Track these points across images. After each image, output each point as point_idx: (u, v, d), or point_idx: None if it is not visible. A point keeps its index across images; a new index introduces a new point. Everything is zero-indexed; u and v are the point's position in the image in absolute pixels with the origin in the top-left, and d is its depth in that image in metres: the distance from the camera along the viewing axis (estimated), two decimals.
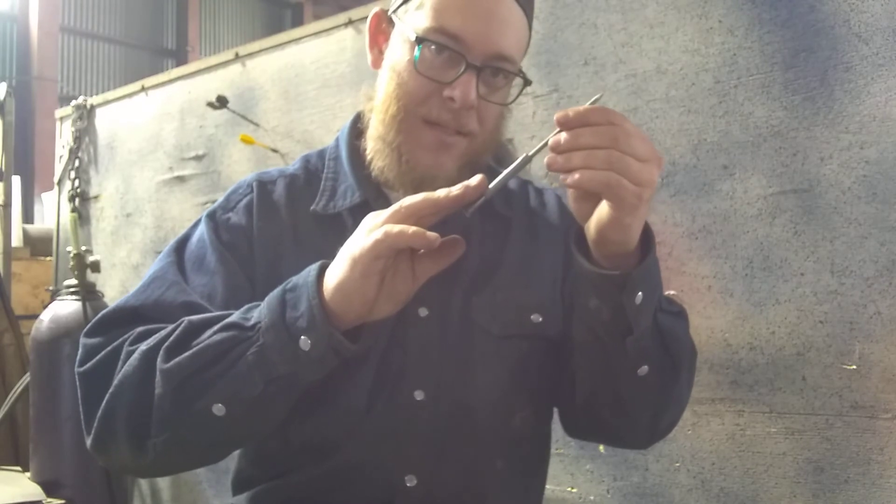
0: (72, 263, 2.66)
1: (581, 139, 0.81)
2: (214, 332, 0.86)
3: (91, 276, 2.71)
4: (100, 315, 0.98)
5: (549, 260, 1.11)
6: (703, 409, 1.59)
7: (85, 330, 0.97)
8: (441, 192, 0.83)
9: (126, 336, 0.92)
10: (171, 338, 0.87)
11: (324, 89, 2.44)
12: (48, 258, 4.31)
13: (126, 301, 0.98)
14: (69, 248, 2.72)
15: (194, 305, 0.96)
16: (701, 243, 1.62)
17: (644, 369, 0.95)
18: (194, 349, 0.86)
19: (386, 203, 1.04)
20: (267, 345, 0.83)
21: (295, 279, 0.87)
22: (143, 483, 2.95)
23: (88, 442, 0.92)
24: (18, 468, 2.89)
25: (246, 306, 0.89)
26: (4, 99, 3.85)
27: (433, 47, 0.97)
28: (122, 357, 0.90)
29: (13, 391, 3.02)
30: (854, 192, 1.44)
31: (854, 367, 1.43)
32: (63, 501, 2.49)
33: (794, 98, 1.52)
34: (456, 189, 0.83)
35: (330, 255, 1.01)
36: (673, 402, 1.04)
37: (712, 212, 1.61)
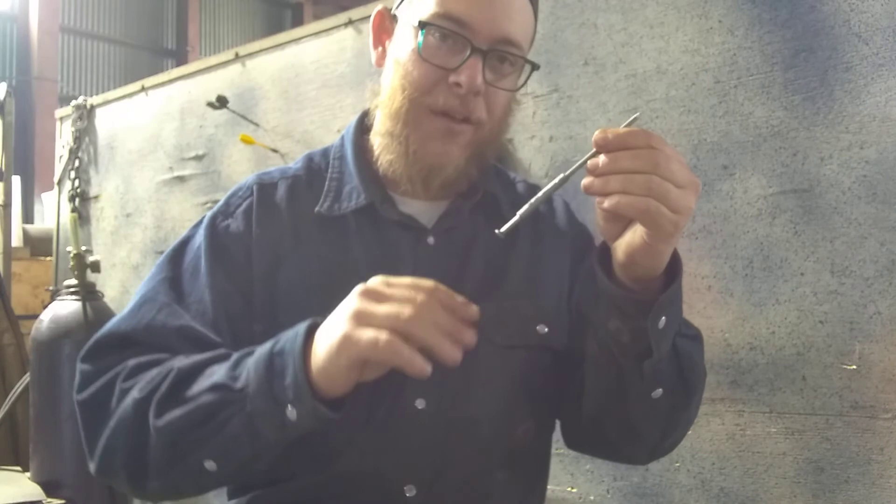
0: (72, 263, 2.65)
1: (620, 163, 0.78)
2: (203, 392, 0.85)
3: (91, 276, 2.71)
4: (93, 339, 0.98)
5: (555, 268, 1.09)
6: (703, 409, 1.59)
7: (80, 354, 0.97)
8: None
9: (119, 369, 0.92)
10: (162, 389, 0.87)
11: (324, 89, 2.44)
12: (48, 258, 4.32)
13: (118, 326, 0.98)
14: (69, 248, 2.71)
15: (187, 330, 0.95)
16: (701, 243, 1.62)
17: (658, 392, 0.93)
18: (185, 408, 0.85)
19: (392, 206, 1.03)
20: (255, 412, 0.82)
21: (283, 341, 0.84)
22: None
23: (92, 468, 0.94)
24: (18, 468, 2.88)
25: (235, 358, 0.87)
26: (4, 99, 3.85)
27: (437, 34, 0.96)
28: (116, 394, 0.90)
29: (13, 391, 3.02)
30: (854, 192, 1.44)
31: (854, 367, 1.43)
32: (63, 501, 2.48)
33: (794, 98, 1.52)
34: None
35: (330, 258, 1.00)
36: (681, 425, 1.03)
37: (712, 212, 1.61)
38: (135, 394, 0.88)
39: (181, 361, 0.89)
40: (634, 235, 0.82)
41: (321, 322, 0.83)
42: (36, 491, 2.51)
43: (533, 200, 0.84)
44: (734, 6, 1.60)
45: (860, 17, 1.44)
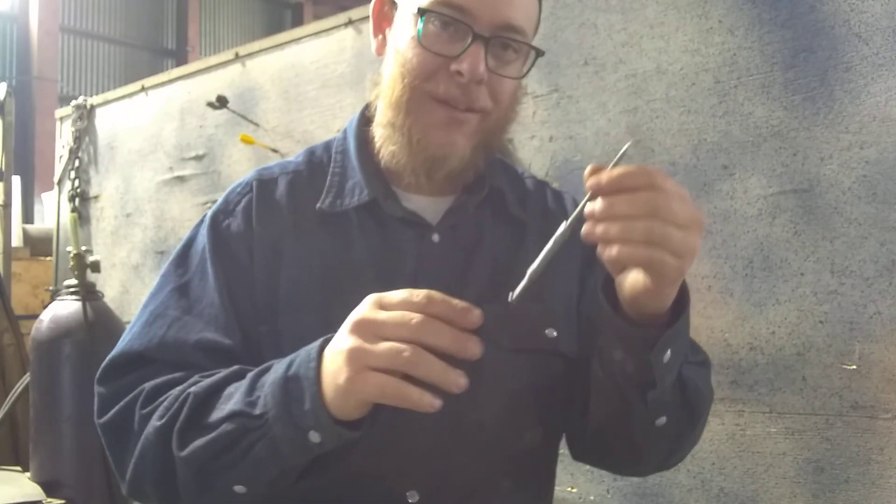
0: (72, 263, 2.65)
1: (617, 208, 0.74)
2: (223, 420, 0.84)
3: (91, 276, 2.70)
4: (107, 360, 0.97)
5: (565, 271, 1.05)
6: None
7: (97, 376, 0.96)
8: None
9: (136, 393, 0.91)
10: (181, 418, 0.86)
11: (324, 89, 2.44)
12: (48, 258, 4.32)
13: (130, 345, 0.96)
14: (69, 248, 2.71)
15: (201, 343, 0.94)
16: (701, 243, 1.61)
17: (661, 420, 0.92)
18: (206, 437, 0.84)
19: (395, 202, 1.00)
20: (277, 437, 0.81)
21: (296, 365, 0.82)
22: None
23: (124, 490, 0.94)
24: (18, 468, 2.88)
25: (250, 379, 0.86)
26: (4, 99, 3.85)
27: (437, 21, 0.93)
28: (137, 420, 0.90)
29: (13, 391, 3.01)
30: (854, 192, 1.44)
31: (854, 367, 1.43)
32: (63, 501, 2.48)
33: (794, 98, 1.52)
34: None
35: (332, 256, 0.98)
36: (686, 447, 1.02)
37: (712, 212, 1.61)
38: (155, 421, 0.88)
39: (197, 385, 0.88)
40: (637, 279, 0.79)
41: (329, 338, 0.81)
42: (36, 491, 2.51)
43: (542, 256, 0.80)
44: (734, 6, 1.60)
45: (860, 17, 1.44)
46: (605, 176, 0.74)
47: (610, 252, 0.75)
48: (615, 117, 1.76)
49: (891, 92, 1.41)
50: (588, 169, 0.76)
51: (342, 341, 0.78)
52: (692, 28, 1.65)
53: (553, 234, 0.86)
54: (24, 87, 12.68)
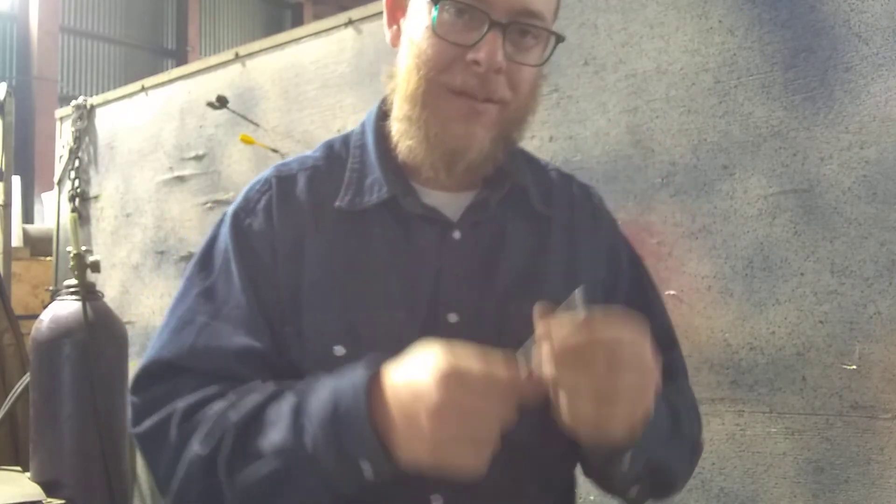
0: (72, 263, 2.65)
1: (564, 374, 0.75)
2: (271, 454, 0.83)
3: (91, 276, 2.70)
4: (139, 369, 0.96)
5: (589, 272, 1.02)
6: (703, 409, 1.58)
7: (130, 385, 0.95)
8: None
9: (169, 410, 0.90)
10: (224, 448, 0.85)
11: (324, 89, 2.44)
12: (48, 258, 4.31)
13: (160, 353, 0.95)
14: (69, 248, 2.71)
15: (231, 349, 0.93)
16: (701, 243, 1.62)
17: (634, 490, 0.93)
18: (255, 468, 0.83)
19: (415, 198, 0.98)
20: (331, 473, 0.81)
21: (344, 402, 0.81)
22: (143, 483, 2.95)
23: None
24: (18, 468, 2.88)
25: (293, 406, 0.85)
26: (4, 99, 3.84)
27: (452, 9, 0.89)
28: (175, 435, 0.88)
29: (13, 391, 3.01)
30: (854, 192, 1.44)
31: (854, 367, 1.43)
32: (63, 501, 2.48)
33: (794, 98, 1.52)
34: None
35: (352, 255, 0.96)
36: (671, 495, 1.02)
37: (712, 212, 1.61)
38: (197, 448, 0.86)
39: (234, 410, 0.87)
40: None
41: (374, 373, 0.81)
42: (36, 491, 2.51)
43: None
44: (734, 6, 1.60)
45: (860, 17, 1.44)
46: (553, 342, 0.75)
47: (563, 414, 0.77)
48: (615, 117, 1.76)
49: (891, 92, 1.41)
50: (536, 311, 0.77)
51: (433, 426, 0.77)
52: (692, 28, 1.65)
53: (580, 235, 0.92)
54: (24, 87, 12.66)
